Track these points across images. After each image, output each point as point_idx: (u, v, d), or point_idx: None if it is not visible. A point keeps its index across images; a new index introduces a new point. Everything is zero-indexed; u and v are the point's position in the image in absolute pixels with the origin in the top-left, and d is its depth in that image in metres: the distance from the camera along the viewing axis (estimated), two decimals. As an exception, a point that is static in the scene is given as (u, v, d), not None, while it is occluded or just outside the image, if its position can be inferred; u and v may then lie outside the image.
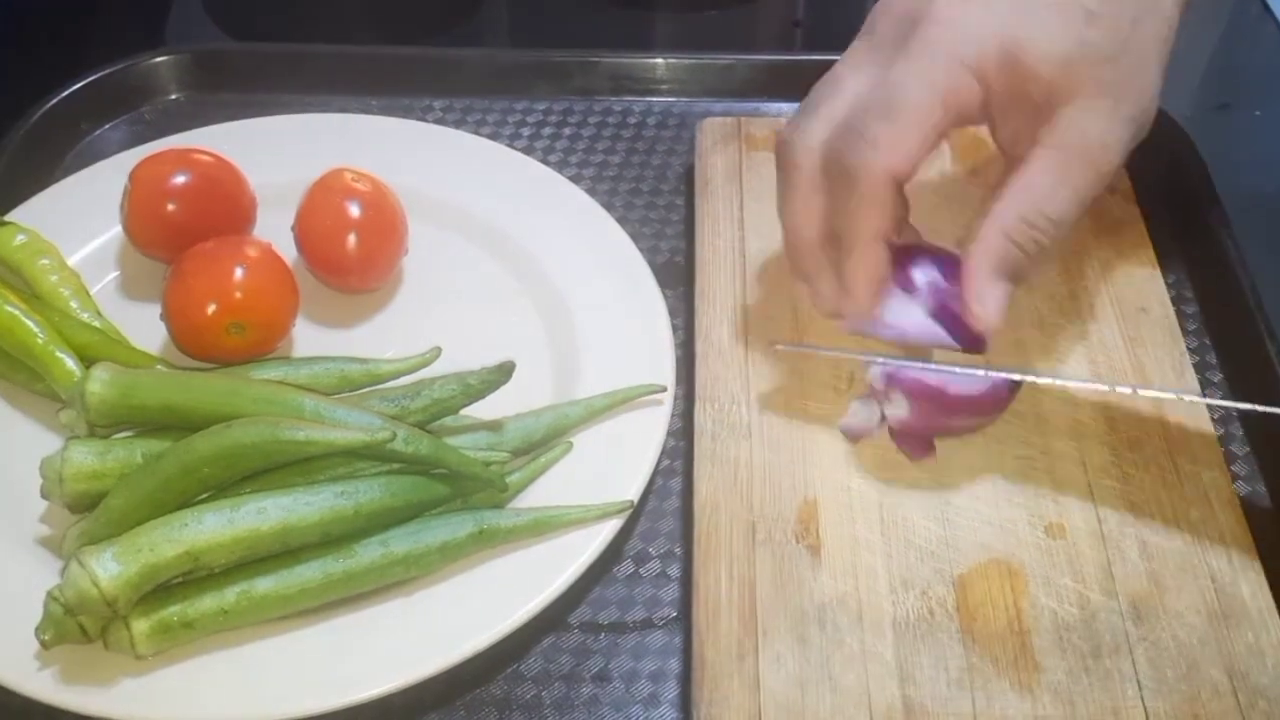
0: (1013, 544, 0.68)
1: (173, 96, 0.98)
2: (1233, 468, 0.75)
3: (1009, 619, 0.65)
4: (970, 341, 0.69)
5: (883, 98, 0.65)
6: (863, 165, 0.64)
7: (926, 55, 0.65)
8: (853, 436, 0.72)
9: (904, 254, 0.70)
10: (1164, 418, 0.73)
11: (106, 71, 0.96)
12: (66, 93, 0.95)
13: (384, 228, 0.81)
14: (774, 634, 0.64)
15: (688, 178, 0.92)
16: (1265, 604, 0.65)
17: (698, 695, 0.62)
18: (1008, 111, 0.67)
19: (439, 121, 0.95)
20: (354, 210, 0.79)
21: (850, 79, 0.68)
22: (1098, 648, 0.64)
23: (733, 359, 0.76)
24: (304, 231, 0.80)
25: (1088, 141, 0.66)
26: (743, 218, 0.84)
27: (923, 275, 0.69)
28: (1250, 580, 0.66)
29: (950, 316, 0.68)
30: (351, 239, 0.79)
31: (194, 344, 0.75)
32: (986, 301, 0.66)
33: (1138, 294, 0.80)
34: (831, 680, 0.62)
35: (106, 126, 0.96)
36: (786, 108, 0.91)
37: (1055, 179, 0.66)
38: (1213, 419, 0.74)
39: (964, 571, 0.67)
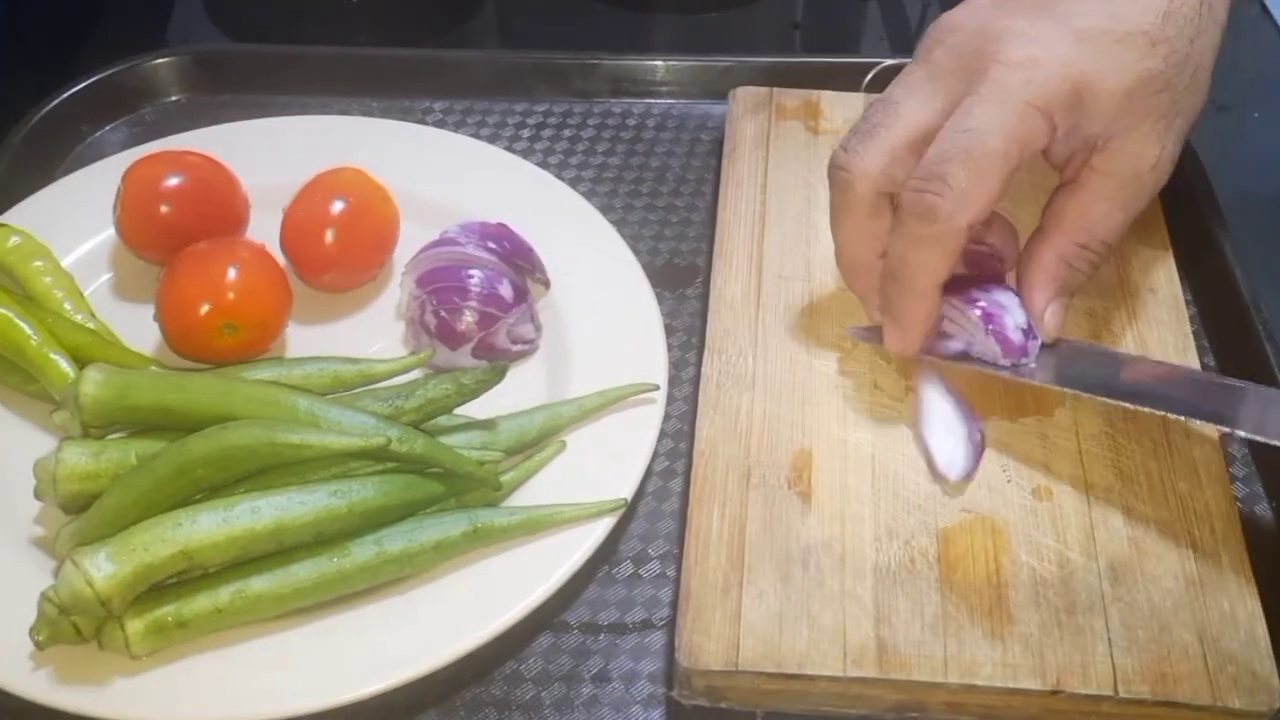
0: (999, 502, 0.69)
1: (173, 98, 0.98)
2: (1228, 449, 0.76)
3: (988, 572, 0.66)
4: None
5: (960, 143, 0.65)
6: (943, 210, 0.65)
7: (1000, 99, 0.66)
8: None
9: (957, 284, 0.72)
10: None
11: (107, 73, 0.97)
12: (67, 94, 0.95)
13: (365, 226, 0.81)
14: (759, 572, 0.66)
15: (716, 146, 0.93)
16: (1244, 576, 0.66)
17: (681, 623, 0.64)
18: (1067, 139, 0.69)
19: (439, 123, 0.96)
20: (336, 207, 0.80)
21: (910, 105, 0.69)
22: (1072, 604, 0.65)
23: (744, 315, 0.78)
24: (284, 227, 0.80)
25: (1141, 166, 0.69)
26: (765, 182, 0.86)
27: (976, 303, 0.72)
28: (1231, 553, 0.67)
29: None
30: (329, 235, 0.79)
31: (187, 345, 0.75)
32: (1048, 318, 0.71)
33: (1147, 274, 0.81)
34: (810, 618, 0.64)
35: (107, 128, 0.96)
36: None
37: (1109, 205, 0.70)
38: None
39: (948, 525, 0.68)
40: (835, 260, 0.73)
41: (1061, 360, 0.72)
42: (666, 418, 0.75)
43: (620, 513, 0.70)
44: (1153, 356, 0.76)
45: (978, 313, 0.71)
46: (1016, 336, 0.70)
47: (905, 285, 0.69)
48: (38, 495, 0.67)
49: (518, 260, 0.80)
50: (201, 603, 0.63)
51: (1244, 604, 0.65)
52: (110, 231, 0.82)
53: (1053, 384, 0.71)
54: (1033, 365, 0.71)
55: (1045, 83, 0.66)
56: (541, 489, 0.71)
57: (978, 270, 0.74)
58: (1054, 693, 0.62)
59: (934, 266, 0.68)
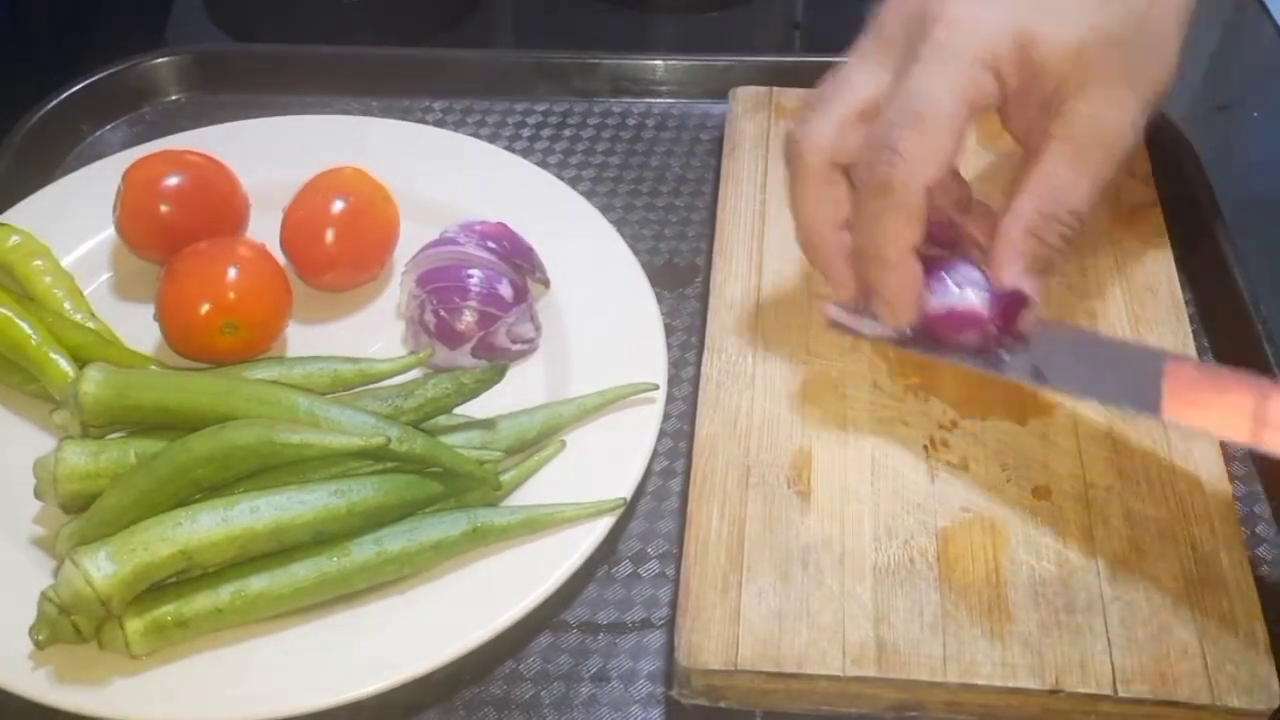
0: (998, 502, 0.69)
1: (173, 97, 0.99)
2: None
3: (987, 572, 0.67)
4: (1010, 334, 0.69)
5: (907, 108, 0.64)
6: (898, 179, 0.64)
7: (943, 57, 0.65)
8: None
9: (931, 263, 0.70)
10: None
11: (107, 72, 0.97)
12: (67, 93, 0.95)
13: (365, 226, 0.81)
14: (758, 570, 0.66)
15: (717, 145, 0.93)
16: (1244, 577, 0.66)
17: (680, 622, 0.64)
18: (1021, 103, 0.67)
19: (439, 123, 0.96)
20: (336, 207, 0.80)
21: (859, 76, 0.68)
22: (1071, 604, 0.65)
23: (743, 313, 0.78)
24: (284, 227, 0.80)
25: (1100, 128, 0.66)
26: (765, 182, 0.86)
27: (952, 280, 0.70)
28: (1232, 553, 0.67)
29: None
30: (329, 235, 0.79)
31: (187, 344, 0.75)
32: None
33: (1147, 274, 0.81)
34: (809, 616, 0.64)
35: (107, 127, 0.96)
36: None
37: (1072, 171, 0.67)
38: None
39: (948, 525, 0.68)
40: (795, 237, 0.71)
41: (1044, 355, 0.69)
42: (666, 417, 0.75)
43: (620, 512, 0.70)
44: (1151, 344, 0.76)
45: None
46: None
47: (878, 259, 0.67)
48: (38, 495, 0.67)
49: (517, 260, 0.80)
50: (201, 602, 0.63)
51: (1243, 604, 0.65)
52: (110, 231, 0.82)
53: (1028, 381, 0.69)
54: (1006, 359, 0.69)
55: (988, 37, 0.65)
56: (541, 489, 0.71)
57: (938, 242, 0.71)
58: (1053, 692, 0.62)
59: (901, 234, 0.66)
